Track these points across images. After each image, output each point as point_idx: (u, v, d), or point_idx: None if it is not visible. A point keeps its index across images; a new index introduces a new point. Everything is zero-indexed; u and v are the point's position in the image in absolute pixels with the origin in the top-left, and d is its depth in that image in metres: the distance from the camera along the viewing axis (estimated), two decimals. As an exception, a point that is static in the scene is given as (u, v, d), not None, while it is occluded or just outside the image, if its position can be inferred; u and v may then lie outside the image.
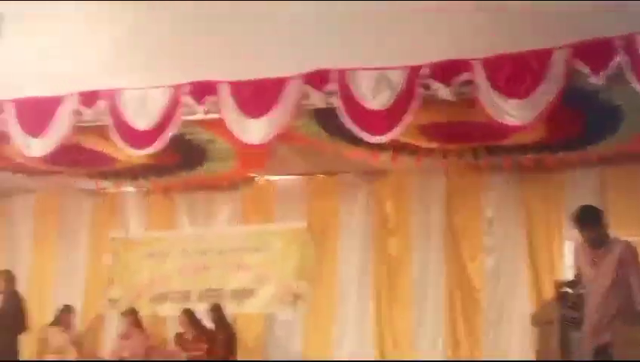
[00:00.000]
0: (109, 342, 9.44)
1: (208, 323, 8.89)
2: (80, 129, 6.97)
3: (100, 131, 6.89)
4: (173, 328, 9.29)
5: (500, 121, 5.61)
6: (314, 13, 6.62)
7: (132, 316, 9.15)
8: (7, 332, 8.31)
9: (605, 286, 5.58)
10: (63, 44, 7.32)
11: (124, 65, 7.07)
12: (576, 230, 5.79)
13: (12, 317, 8.38)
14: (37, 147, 6.93)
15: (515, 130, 5.90)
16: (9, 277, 8.56)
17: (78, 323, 9.60)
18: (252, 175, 9.31)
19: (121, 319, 9.26)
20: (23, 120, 6.88)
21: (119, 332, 9.28)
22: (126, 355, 8.98)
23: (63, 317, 9.20)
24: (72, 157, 7.86)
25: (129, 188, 9.81)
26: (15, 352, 8.46)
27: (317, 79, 6.30)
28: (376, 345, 8.57)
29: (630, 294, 5.53)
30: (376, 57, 6.29)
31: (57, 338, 9.06)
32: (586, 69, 5.37)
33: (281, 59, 6.61)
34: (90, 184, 9.52)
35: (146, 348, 9.09)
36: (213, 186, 9.44)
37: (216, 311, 8.83)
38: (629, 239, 5.92)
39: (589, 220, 5.71)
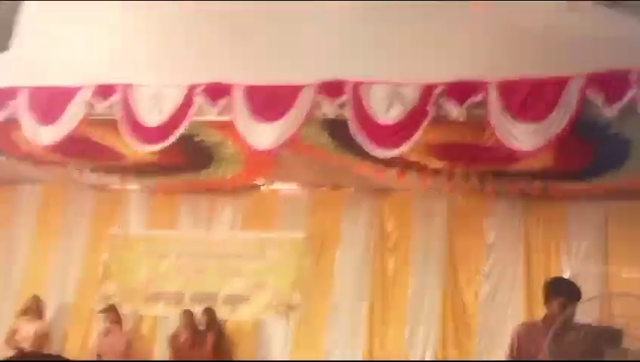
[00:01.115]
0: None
1: (201, 327, 8.92)
2: (91, 121, 7.02)
3: (111, 125, 6.92)
4: (163, 328, 9.29)
5: (509, 145, 5.63)
6: (336, 23, 6.65)
7: (112, 313, 9.14)
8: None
9: None
10: (82, 36, 7.36)
11: (141, 61, 7.12)
12: (557, 301, 5.38)
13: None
14: (46, 135, 6.97)
15: (523, 155, 5.92)
16: None
17: (69, 316, 9.63)
18: (256, 182, 9.33)
19: (101, 316, 9.23)
20: (35, 107, 6.92)
21: (100, 329, 9.24)
22: (105, 352, 8.95)
23: (32, 306, 9.17)
24: (80, 149, 7.89)
25: (133, 186, 9.81)
26: None
27: (331, 89, 6.33)
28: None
29: None
30: (391, 73, 6.32)
31: (26, 327, 9.05)
32: (599, 100, 5.42)
33: (298, 66, 6.64)
34: (95, 178, 9.53)
35: (126, 346, 9.06)
36: (216, 190, 9.45)
37: (208, 314, 8.85)
38: (631, 276, 5.85)
39: (577, 295, 5.32)
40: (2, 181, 9.94)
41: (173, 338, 8.96)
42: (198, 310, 9.02)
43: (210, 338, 8.70)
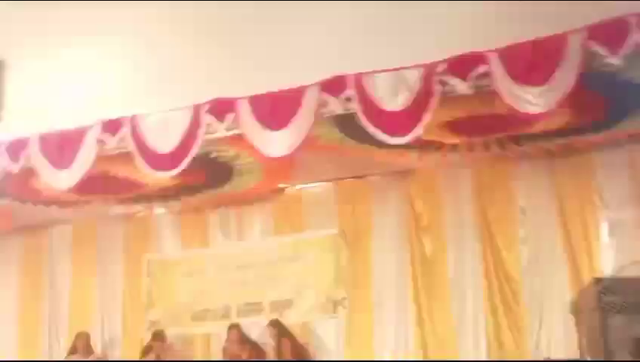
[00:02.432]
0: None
1: (267, 339, 8.85)
2: (105, 157, 7.08)
3: (125, 157, 6.97)
4: (215, 345, 9.33)
5: (520, 110, 5.57)
6: (328, 20, 6.67)
7: (158, 338, 9.21)
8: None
9: None
10: (82, 74, 7.45)
11: (142, 88, 7.18)
12: None
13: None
14: (64, 179, 7.05)
15: (536, 118, 5.84)
16: None
17: (119, 347, 9.73)
18: (281, 186, 9.31)
19: (151, 342, 9.31)
20: (48, 153, 7.00)
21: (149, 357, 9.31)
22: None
23: (81, 343, 9.31)
24: (101, 186, 7.95)
25: (161, 210, 9.87)
26: None
27: (334, 86, 6.33)
28: (418, 347, 8.46)
29: None
30: (391, 58, 6.31)
31: None
32: (603, 50, 5.33)
33: (297, 68, 6.67)
34: (123, 209, 9.60)
35: None
36: (243, 200, 9.45)
37: (277, 325, 8.77)
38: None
39: None
40: (33, 226, 10.06)
41: (225, 353, 8.97)
42: (245, 322, 9.05)
43: (286, 346, 8.63)
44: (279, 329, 8.72)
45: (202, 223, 9.77)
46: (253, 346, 8.86)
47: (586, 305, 6.04)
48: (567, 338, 7.41)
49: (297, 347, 8.67)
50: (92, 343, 9.51)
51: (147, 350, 9.21)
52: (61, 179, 6.98)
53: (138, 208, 9.67)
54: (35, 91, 7.54)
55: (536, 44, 5.53)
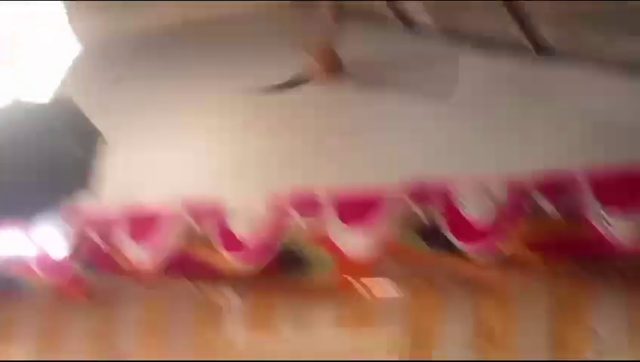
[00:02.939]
0: None
1: None
2: (188, 240, 7.24)
3: (207, 243, 7.11)
4: None
5: (610, 240, 5.50)
6: (410, 125, 6.78)
7: None
8: None
9: None
10: (168, 158, 7.67)
11: (227, 175, 7.35)
12: None
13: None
14: (146, 257, 7.21)
15: (627, 249, 5.75)
16: None
17: None
18: (350, 281, 9.29)
19: None
20: (134, 232, 7.20)
21: None
22: None
23: None
24: (179, 267, 8.08)
25: (229, 293, 9.92)
26: None
27: (419, 192, 6.38)
28: None
29: None
30: (476, 166, 6.36)
31: None
32: None
33: (383, 170, 6.76)
34: (195, 291, 9.71)
35: None
36: (312, 292, 9.45)
37: None
38: None
39: None
40: (106, 300, 10.18)
41: None
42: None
43: None
44: None
45: (269, 310, 9.76)
46: None
47: None
48: None
49: None
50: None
51: None
52: (143, 258, 7.13)
53: (207, 289, 9.75)
54: (125, 169, 7.74)
55: (632, 171, 5.48)
